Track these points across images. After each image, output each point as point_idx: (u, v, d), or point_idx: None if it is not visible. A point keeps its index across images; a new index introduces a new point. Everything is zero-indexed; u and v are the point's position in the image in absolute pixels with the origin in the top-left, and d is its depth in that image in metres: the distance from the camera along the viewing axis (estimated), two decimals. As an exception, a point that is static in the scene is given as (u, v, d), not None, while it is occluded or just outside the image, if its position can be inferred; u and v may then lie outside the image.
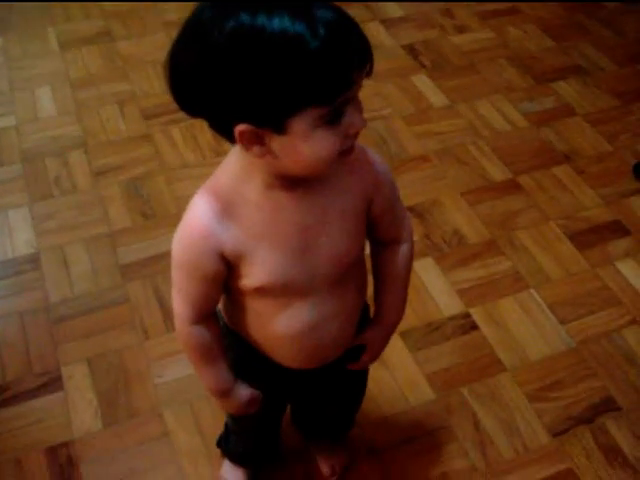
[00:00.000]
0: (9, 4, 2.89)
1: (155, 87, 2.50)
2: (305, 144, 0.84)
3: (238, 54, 0.78)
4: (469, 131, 2.39)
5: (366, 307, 1.20)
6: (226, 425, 1.51)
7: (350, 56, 0.80)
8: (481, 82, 2.59)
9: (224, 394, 1.14)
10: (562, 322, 1.85)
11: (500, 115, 2.45)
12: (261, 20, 0.76)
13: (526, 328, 1.83)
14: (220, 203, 0.94)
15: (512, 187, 2.20)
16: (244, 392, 1.15)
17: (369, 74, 0.85)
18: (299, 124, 0.82)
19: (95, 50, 2.69)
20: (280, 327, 1.06)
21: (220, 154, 2.21)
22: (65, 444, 1.61)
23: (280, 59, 0.77)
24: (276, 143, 0.85)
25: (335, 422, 1.49)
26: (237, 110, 0.82)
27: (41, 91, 2.51)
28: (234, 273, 0.99)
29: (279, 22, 0.76)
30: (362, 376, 1.36)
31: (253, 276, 0.98)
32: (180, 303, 1.04)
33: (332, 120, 0.83)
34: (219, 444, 1.56)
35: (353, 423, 1.53)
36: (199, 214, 0.95)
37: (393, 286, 1.16)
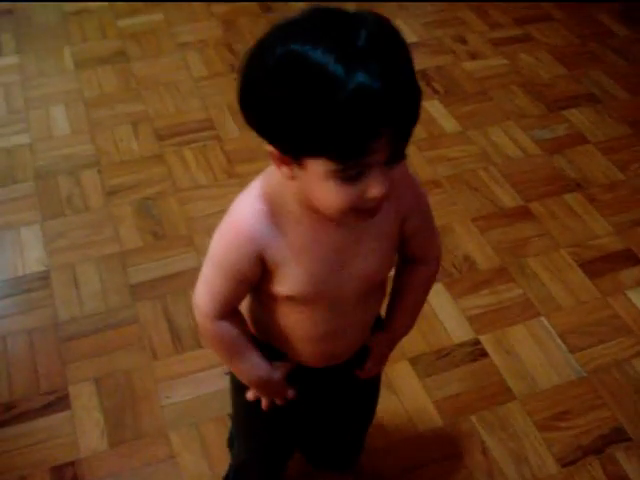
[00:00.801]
0: (27, 23, 2.92)
1: (169, 108, 2.51)
2: (318, 188, 0.84)
3: (277, 79, 0.78)
4: (481, 157, 2.39)
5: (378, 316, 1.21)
6: (232, 465, 1.50)
7: (370, 126, 0.77)
8: (493, 109, 2.60)
9: (262, 382, 1.13)
10: (572, 351, 1.84)
11: (512, 142, 2.45)
12: (309, 51, 0.75)
13: (536, 356, 1.82)
14: (269, 207, 0.94)
15: (523, 214, 2.19)
16: (281, 374, 1.14)
17: (400, 156, 0.83)
18: (314, 167, 0.82)
19: (110, 70, 2.70)
20: (301, 331, 1.08)
21: (232, 176, 2.22)
22: (71, 464, 1.61)
23: (305, 97, 0.76)
24: (299, 174, 0.85)
25: (344, 444, 1.48)
26: (266, 130, 0.84)
27: (55, 110, 2.53)
28: (267, 277, 1.00)
29: (322, 55, 0.75)
30: (373, 393, 1.36)
31: (286, 285, 0.99)
32: (206, 299, 1.04)
33: (347, 178, 0.82)
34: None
35: (362, 448, 1.52)
36: (248, 214, 0.95)
37: (408, 304, 1.17)
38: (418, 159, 2.36)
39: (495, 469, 1.61)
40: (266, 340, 1.13)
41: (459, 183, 2.29)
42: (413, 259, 1.12)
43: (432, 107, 2.58)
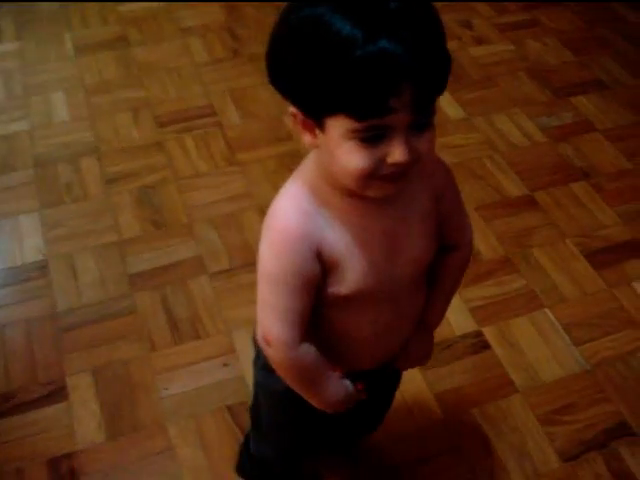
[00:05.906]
0: (28, 9, 2.88)
1: (170, 94, 2.48)
2: (337, 150, 0.82)
3: (296, 38, 0.79)
4: (486, 145, 2.36)
5: None
6: (253, 453, 1.44)
7: (389, 82, 0.76)
8: (499, 95, 2.56)
9: (347, 399, 1.08)
10: (576, 343, 1.81)
11: (518, 129, 2.41)
12: (329, 16, 0.76)
13: (539, 349, 1.80)
14: (312, 201, 0.91)
15: (528, 203, 2.16)
16: (356, 391, 1.10)
17: (425, 122, 0.83)
18: (334, 127, 0.81)
19: (110, 56, 2.67)
20: (361, 332, 1.04)
21: (233, 163, 2.19)
22: (68, 455, 1.60)
23: (325, 55, 0.76)
24: (321, 139, 0.84)
25: (369, 422, 1.46)
26: (289, 90, 0.83)
27: (55, 96, 2.50)
28: (324, 280, 0.95)
29: (341, 21, 0.75)
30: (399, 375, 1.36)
31: (346, 282, 0.94)
32: (278, 326, 0.95)
33: (367, 139, 0.80)
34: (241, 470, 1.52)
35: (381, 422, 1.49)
36: (293, 212, 0.91)
37: (445, 291, 1.13)
38: (422, 147, 2.32)
39: (496, 463, 1.59)
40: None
41: (463, 171, 2.25)
42: (450, 244, 1.08)
43: (437, 94, 2.54)
